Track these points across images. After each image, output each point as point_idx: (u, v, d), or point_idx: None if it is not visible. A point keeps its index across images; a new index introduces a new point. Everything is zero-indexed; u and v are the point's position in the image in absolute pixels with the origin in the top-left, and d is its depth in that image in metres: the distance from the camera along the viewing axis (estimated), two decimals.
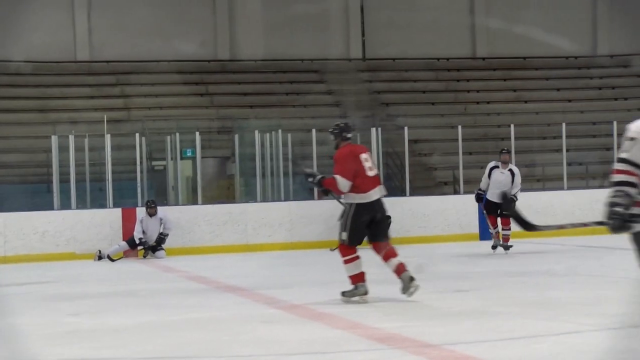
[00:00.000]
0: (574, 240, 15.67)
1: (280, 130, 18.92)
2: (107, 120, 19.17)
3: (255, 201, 17.92)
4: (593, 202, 17.96)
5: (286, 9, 25.58)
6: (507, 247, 13.80)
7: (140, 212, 15.96)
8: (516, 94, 25.73)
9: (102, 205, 16.96)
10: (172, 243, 15.93)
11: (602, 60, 27.14)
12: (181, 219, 16.51)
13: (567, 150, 18.72)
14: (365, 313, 7.84)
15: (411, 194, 18.22)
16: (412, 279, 8.35)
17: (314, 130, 17.91)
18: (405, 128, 18.45)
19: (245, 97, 24.41)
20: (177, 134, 19.08)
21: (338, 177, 8.42)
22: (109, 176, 16.92)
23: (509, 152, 14.26)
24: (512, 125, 18.62)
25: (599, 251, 14.43)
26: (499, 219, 13.76)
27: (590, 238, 16.71)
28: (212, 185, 21.59)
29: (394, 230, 16.39)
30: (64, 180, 16.98)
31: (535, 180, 21.47)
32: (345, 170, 8.38)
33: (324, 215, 16.91)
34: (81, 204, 17.20)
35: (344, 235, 8.52)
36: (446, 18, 26.53)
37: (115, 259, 15.45)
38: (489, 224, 13.95)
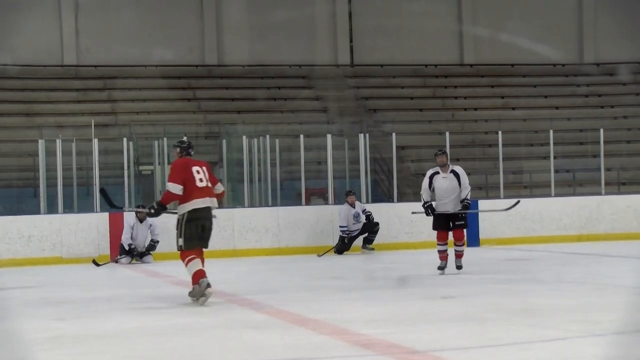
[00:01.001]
0: (561, 247, 15.72)
1: (267, 136, 18.92)
2: (94, 125, 19.12)
3: (243, 206, 17.90)
4: (580, 209, 18.05)
5: (274, 15, 25.59)
6: (460, 267, 11.89)
7: (129, 216, 15.84)
8: (503, 101, 25.81)
9: (89, 209, 16.90)
10: (158, 248, 15.87)
11: (589, 68, 27.28)
12: (168, 223, 16.43)
13: (555, 158, 18.78)
14: (351, 319, 7.83)
15: (398, 200, 18.24)
16: (209, 285, 9.20)
17: (301, 136, 17.92)
18: (393, 134, 18.47)
19: (232, 103, 24.41)
20: (165, 139, 19.04)
21: (169, 184, 9.33)
22: (96, 181, 16.87)
23: (444, 152, 11.99)
24: (499, 132, 18.67)
25: (585, 258, 14.47)
26: (450, 233, 11.85)
27: (577, 245, 16.77)
28: None
29: (380, 236, 16.69)
30: (51, 184, 16.92)
31: (523, 187, 21.54)
32: (176, 178, 9.30)
33: (311, 221, 16.92)
34: (68, 209, 17.13)
35: (180, 242, 9.41)
36: (434, 25, 26.60)
37: (100, 263, 15.38)
38: (438, 240, 11.89)
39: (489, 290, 10.01)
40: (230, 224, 16.61)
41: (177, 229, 9.43)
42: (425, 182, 11.94)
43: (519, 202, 13.29)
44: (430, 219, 11.97)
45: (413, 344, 6.41)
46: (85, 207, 17.32)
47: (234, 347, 6.67)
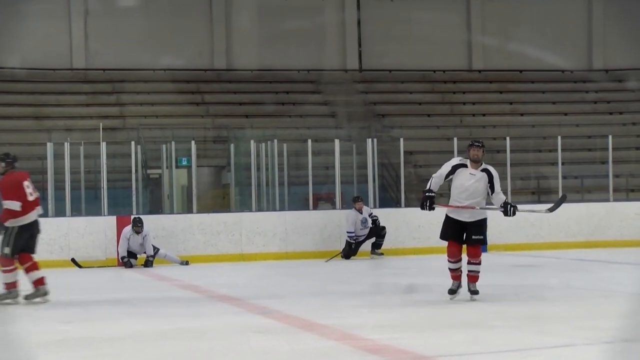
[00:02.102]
0: (569, 254, 15.69)
1: (275, 140, 18.94)
2: (102, 128, 19.16)
3: (250, 211, 17.91)
4: (589, 215, 18.01)
5: (283, 21, 25.63)
6: (475, 292, 9.35)
7: (125, 228, 15.74)
8: (512, 107, 25.78)
9: (97, 213, 16.93)
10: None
11: (597, 75, 27.23)
12: (176, 227, 16.50)
13: (563, 164, 18.74)
14: (357, 324, 7.82)
15: (406, 206, 18.21)
16: (46, 293, 10.08)
17: (309, 141, 17.92)
18: (401, 139, 18.46)
19: (240, 107, 24.42)
20: (173, 143, 19.07)
21: (8, 202, 9.99)
22: (104, 184, 16.90)
23: (483, 145, 9.41)
24: (507, 138, 18.64)
25: (593, 265, 14.43)
26: (464, 247, 9.39)
27: (585, 252, 16.73)
28: (207, 194, 21.59)
29: (388, 241, 16.67)
30: (59, 187, 16.95)
31: (530, 193, 21.51)
32: (12, 195, 10.00)
33: (319, 225, 16.92)
34: (76, 212, 17.16)
35: (7, 250, 10.01)
36: (443, 33, 26.59)
37: (83, 266, 15.36)
38: (449, 256, 9.42)
39: (496, 297, 9.98)
40: (238, 228, 16.62)
41: (4, 239, 10.03)
42: (445, 169, 9.42)
43: (565, 197, 10.45)
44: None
45: (420, 349, 6.40)
46: (93, 210, 17.33)
47: (240, 351, 6.66)
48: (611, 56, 27.44)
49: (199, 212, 17.52)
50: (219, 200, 21.73)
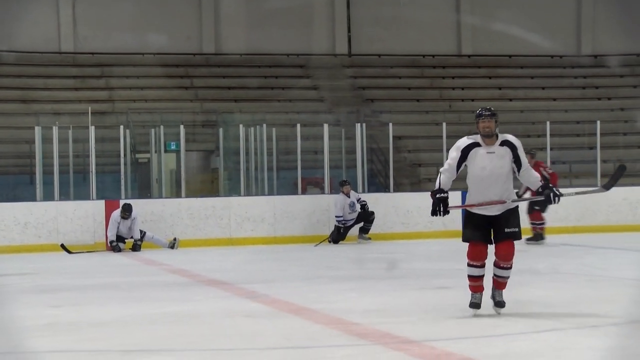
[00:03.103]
0: (556, 239, 15.76)
1: (264, 125, 18.92)
2: (91, 112, 19.10)
3: (239, 195, 17.91)
4: (577, 200, 18.06)
5: (272, 4, 25.56)
6: (501, 304, 7.35)
7: (114, 212, 15.72)
8: (501, 92, 25.80)
9: (86, 197, 16.90)
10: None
11: (586, 60, 27.28)
12: (164, 212, 16.49)
13: (551, 149, 18.78)
14: (346, 309, 7.85)
15: (395, 191, 18.24)
16: None
17: (298, 125, 17.92)
18: (390, 124, 18.47)
19: (229, 91, 24.38)
20: (162, 127, 19.03)
21: None
22: (93, 168, 16.86)
23: (493, 114, 7.30)
24: None
25: (580, 250, 14.51)
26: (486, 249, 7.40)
27: (572, 237, 16.81)
28: (195, 178, 21.57)
29: (376, 226, 16.69)
30: (47, 172, 16.91)
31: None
32: None
33: (307, 210, 16.94)
34: (64, 196, 17.13)
35: None
36: (432, 15, 26.58)
37: (73, 251, 15.36)
38: (471, 258, 7.33)
39: (484, 281, 10.02)
40: (226, 213, 16.62)
41: None
42: (454, 156, 7.23)
43: (623, 168, 8.16)
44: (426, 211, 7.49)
45: (408, 334, 6.43)
46: (82, 194, 17.30)
47: (229, 335, 6.68)
48: (600, 42, 27.47)
49: (187, 196, 17.51)
50: (208, 184, 21.72)
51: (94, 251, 15.65)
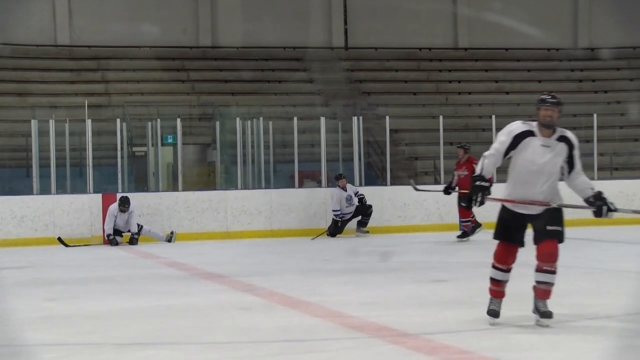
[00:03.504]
0: None
1: (261, 118, 18.90)
2: (87, 105, 19.07)
3: (236, 188, 17.90)
4: (573, 193, 18.07)
5: None
6: (548, 314, 6.32)
7: (111, 206, 15.69)
8: (497, 85, 25.79)
9: (82, 190, 16.89)
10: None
11: (583, 53, 27.27)
12: (161, 205, 16.48)
13: None
14: (343, 302, 7.85)
15: (391, 184, 18.24)
16: None
17: (295, 118, 17.90)
18: (387, 117, 18.46)
19: (226, 84, 24.35)
20: (158, 120, 19.01)
21: None
22: (90, 161, 16.84)
23: (558, 102, 6.44)
24: (493, 116, 18.66)
25: (576, 243, 14.51)
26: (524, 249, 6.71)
27: (569, 230, 16.81)
28: (192, 172, 21.55)
29: (374, 219, 16.69)
30: (44, 165, 16.89)
31: None
32: None
33: (304, 203, 16.93)
34: (61, 189, 17.11)
35: None
36: (428, 8, 26.55)
37: (70, 244, 15.35)
38: (497, 261, 6.69)
39: (480, 274, 10.00)
40: (223, 206, 16.61)
41: None
42: (504, 140, 6.54)
43: None
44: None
45: (405, 327, 6.43)
46: (79, 188, 17.30)
47: (225, 328, 6.68)
48: (596, 35, 27.47)
49: (184, 189, 17.50)
50: (205, 177, 21.71)
51: (90, 244, 15.65)
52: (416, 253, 13.16)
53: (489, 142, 20.37)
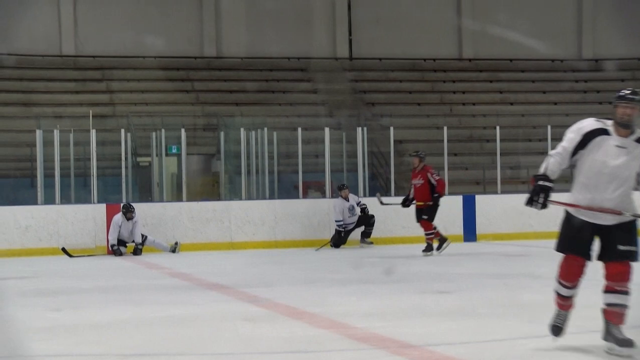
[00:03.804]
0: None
1: (265, 128, 18.92)
2: (92, 116, 19.11)
3: (240, 199, 17.91)
4: None
5: (272, 6, 25.58)
6: (627, 342, 5.69)
7: (116, 216, 15.65)
8: (502, 96, 25.80)
9: (87, 200, 16.90)
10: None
11: (587, 64, 27.28)
12: (165, 215, 16.48)
13: None
14: (346, 312, 7.84)
15: (396, 194, 18.22)
16: None
17: (299, 129, 17.92)
18: (391, 128, 18.47)
19: (230, 95, 24.39)
20: (163, 130, 19.03)
21: None
22: (94, 171, 16.86)
23: (636, 98, 6.00)
24: (497, 127, 18.66)
25: None
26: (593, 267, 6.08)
27: None
28: (196, 182, 21.57)
29: (378, 230, 16.67)
30: (48, 175, 16.91)
31: (520, 183, 21.51)
32: None
33: (308, 213, 16.93)
34: (65, 199, 17.13)
35: None
36: (433, 18, 26.60)
37: (74, 255, 15.34)
38: (564, 277, 6.07)
39: (484, 285, 10.03)
40: (227, 216, 16.61)
41: None
42: (572, 137, 5.93)
43: None
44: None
45: (408, 338, 6.42)
46: (83, 198, 17.31)
47: (229, 339, 6.67)
48: (600, 46, 27.49)
49: (188, 200, 17.50)
50: (209, 188, 21.72)
51: (94, 255, 15.65)
52: (420, 264, 13.14)
53: (493, 153, 20.43)
